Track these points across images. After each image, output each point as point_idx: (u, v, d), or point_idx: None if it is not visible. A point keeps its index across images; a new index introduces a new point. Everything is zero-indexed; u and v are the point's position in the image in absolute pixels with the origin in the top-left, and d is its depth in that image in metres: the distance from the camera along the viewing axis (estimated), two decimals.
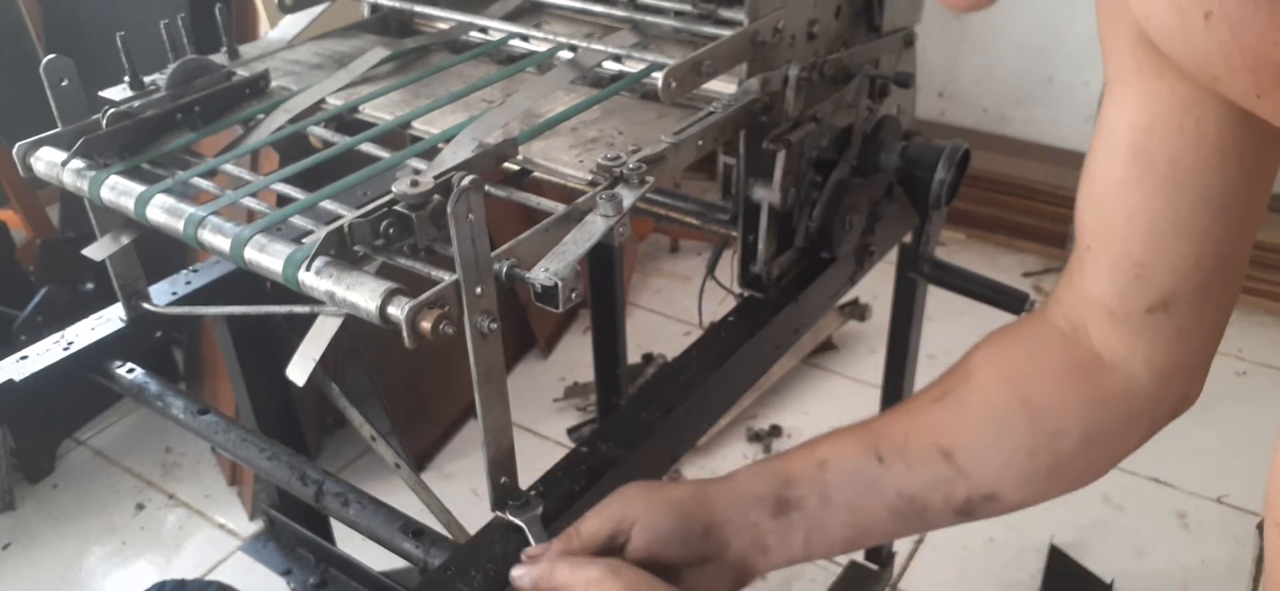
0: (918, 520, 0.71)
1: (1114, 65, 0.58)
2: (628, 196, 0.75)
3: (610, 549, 0.69)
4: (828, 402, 2.34)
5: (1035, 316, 0.71)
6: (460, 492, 2.11)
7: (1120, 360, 0.65)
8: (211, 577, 1.95)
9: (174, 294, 1.04)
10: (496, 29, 1.10)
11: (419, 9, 1.14)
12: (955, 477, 0.69)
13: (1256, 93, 0.38)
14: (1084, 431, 0.67)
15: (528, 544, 0.72)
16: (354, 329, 0.72)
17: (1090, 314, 0.66)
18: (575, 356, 2.53)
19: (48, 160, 0.85)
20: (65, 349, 0.98)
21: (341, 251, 0.68)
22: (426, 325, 0.63)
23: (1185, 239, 0.59)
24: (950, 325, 2.64)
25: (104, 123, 0.87)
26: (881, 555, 1.59)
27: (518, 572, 0.69)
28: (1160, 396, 0.66)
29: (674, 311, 2.71)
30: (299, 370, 0.76)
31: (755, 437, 2.24)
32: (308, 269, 0.68)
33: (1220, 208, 0.57)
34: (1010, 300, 1.15)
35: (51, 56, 0.85)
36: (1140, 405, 0.66)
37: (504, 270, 0.68)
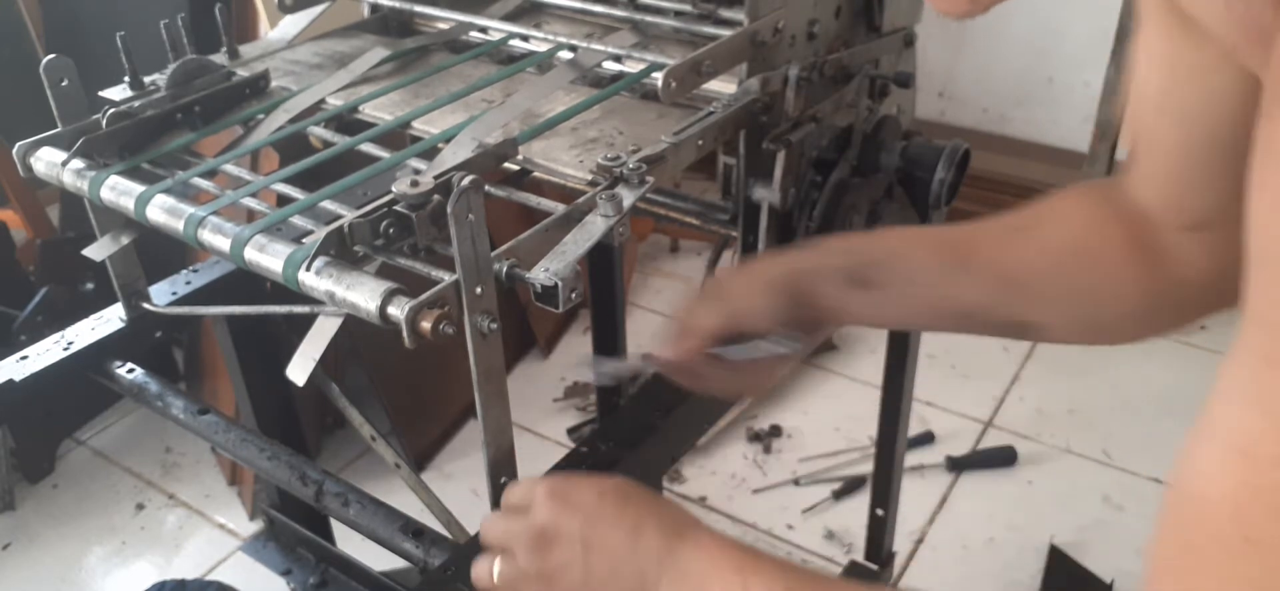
0: (965, 325, 0.81)
1: (1146, 18, 0.63)
2: (628, 196, 0.75)
3: (725, 332, 0.79)
4: (828, 402, 2.34)
5: (1122, 182, 0.75)
6: (460, 492, 2.11)
7: (1173, 258, 0.71)
8: (211, 577, 1.95)
9: (174, 294, 1.04)
10: (496, 29, 1.10)
11: (419, 9, 1.14)
12: (1011, 303, 0.76)
13: (1264, 65, 0.42)
14: (1136, 306, 0.73)
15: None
16: (354, 329, 0.72)
17: (1148, 208, 0.72)
18: (575, 356, 2.53)
19: (48, 160, 0.85)
20: (65, 349, 0.98)
21: (341, 251, 0.68)
22: (426, 325, 0.63)
23: (1208, 181, 0.64)
24: None
25: (104, 123, 0.87)
26: (881, 555, 1.59)
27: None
28: (1208, 295, 0.71)
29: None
30: (299, 370, 0.76)
31: (755, 437, 2.23)
32: (308, 269, 0.68)
33: (1236, 158, 0.61)
34: None
35: (51, 56, 0.85)
36: (1189, 298, 0.72)
37: (504, 270, 0.68)
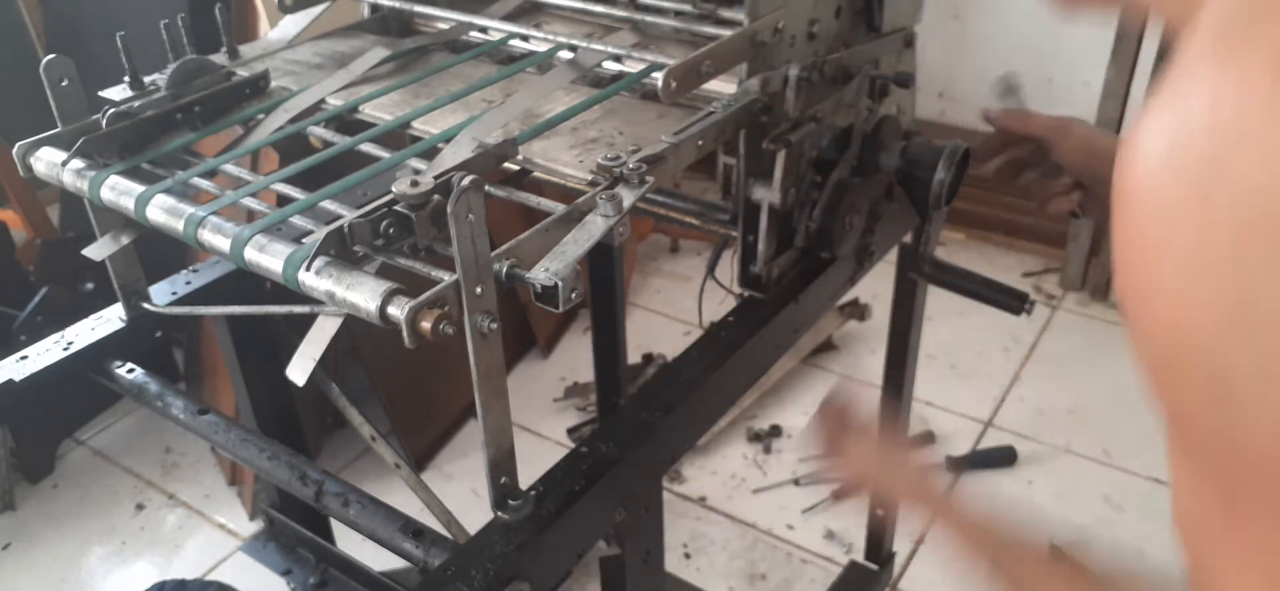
0: None
1: None
2: (628, 196, 0.75)
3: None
4: None
5: None
6: (460, 492, 2.11)
7: None
8: (211, 577, 1.95)
9: (174, 294, 1.04)
10: (496, 29, 1.10)
11: (419, 9, 1.14)
12: None
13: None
14: None
15: None
16: (354, 329, 0.72)
17: None
18: (575, 356, 2.53)
19: (48, 160, 0.85)
20: (65, 349, 0.98)
21: (341, 251, 0.68)
22: (426, 325, 0.63)
23: None
24: (950, 325, 2.64)
25: (104, 123, 0.87)
26: (881, 555, 1.59)
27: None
28: None
29: (674, 311, 2.71)
30: (299, 370, 0.76)
31: (755, 437, 2.23)
32: (308, 269, 0.68)
33: None
34: (1010, 300, 1.15)
35: (51, 56, 0.85)
36: None
37: (504, 270, 0.68)
